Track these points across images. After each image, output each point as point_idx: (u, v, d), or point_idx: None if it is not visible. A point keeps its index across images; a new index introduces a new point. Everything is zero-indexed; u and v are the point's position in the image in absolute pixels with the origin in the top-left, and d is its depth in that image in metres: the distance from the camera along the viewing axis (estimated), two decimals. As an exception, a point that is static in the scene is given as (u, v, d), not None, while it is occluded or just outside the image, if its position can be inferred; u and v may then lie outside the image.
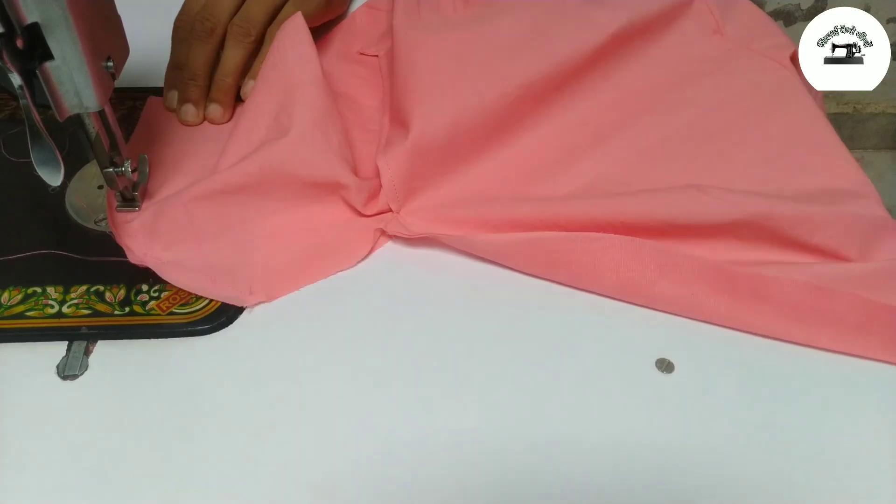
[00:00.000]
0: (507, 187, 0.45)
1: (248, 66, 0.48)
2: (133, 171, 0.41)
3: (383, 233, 0.43)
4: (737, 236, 0.41)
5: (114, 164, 0.40)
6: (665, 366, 0.38)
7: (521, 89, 0.46)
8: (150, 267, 0.39)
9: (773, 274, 0.38)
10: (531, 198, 0.44)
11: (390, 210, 0.44)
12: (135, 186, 0.42)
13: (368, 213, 0.43)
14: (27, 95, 0.34)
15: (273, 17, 0.49)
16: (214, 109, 0.48)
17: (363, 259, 0.42)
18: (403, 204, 0.44)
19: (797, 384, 0.37)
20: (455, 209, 0.43)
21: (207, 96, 0.48)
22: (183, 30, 0.47)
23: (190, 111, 0.48)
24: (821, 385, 0.37)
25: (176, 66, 0.48)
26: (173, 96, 0.48)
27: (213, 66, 0.48)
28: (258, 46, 0.49)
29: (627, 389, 0.37)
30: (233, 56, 0.47)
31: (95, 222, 0.42)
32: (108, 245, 0.41)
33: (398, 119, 0.46)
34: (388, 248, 0.43)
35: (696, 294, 0.39)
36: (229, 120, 0.49)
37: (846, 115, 1.45)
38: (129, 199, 0.42)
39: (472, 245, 0.42)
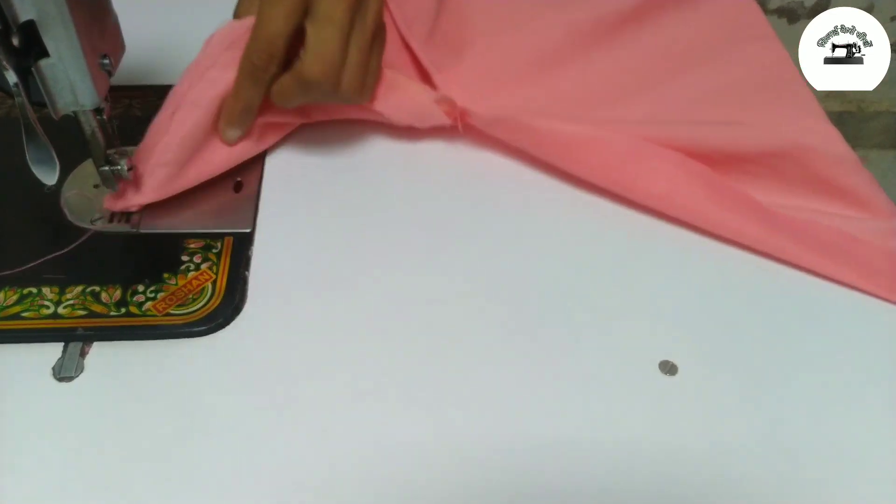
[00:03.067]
0: (563, 112, 0.48)
1: None
2: (129, 170, 0.40)
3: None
4: (779, 176, 0.44)
5: (109, 163, 0.39)
6: (668, 368, 0.37)
7: (569, 29, 0.51)
8: None
9: (810, 218, 0.42)
10: (588, 118, 0.47)
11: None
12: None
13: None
14: (22, 93, 0.34)
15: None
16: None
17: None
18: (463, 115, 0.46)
19: (801, 386, 0.37)
20: (513, 119, 0.45)
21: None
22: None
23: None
24: (824, 387, 0.37)
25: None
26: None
27: None
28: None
29: (630, 391, 0.36)
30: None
31: (91, 221, 0.42)
32: (104, 244, 0.41)
33: (448, 47, 0.49)
34: (385, 247, 0.43)
35: (738, 219, 0.42)
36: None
37: (849, 113, 1.44)
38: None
39: (533, 135, 0.44)
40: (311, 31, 0.39)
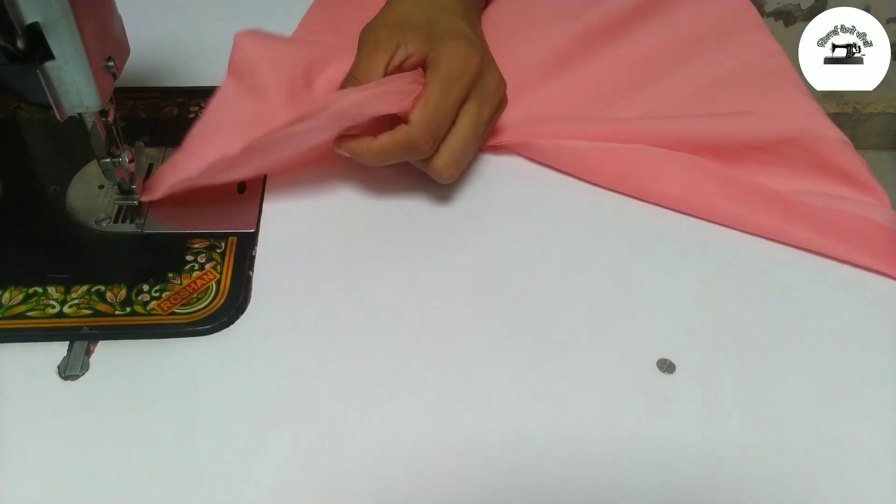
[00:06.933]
0: (578, 110, 0.50)
1: None
2: (130, 162, 0.41)
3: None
4: (789, 163, 0.45)
5: (111, 155, 0.40)
6: (666, 366, 0.38)
7: (581, 34, 0.53)
8: None
9: (822, 203, 0.43)
10: (604, 118, 0.49)
11: None
12: (132, 178, 0.42)
13: None
14: None
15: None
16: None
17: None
18: None
19: (798, 384, 0.37)
20: (532, 125, 0.47)
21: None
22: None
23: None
24: (822, 385, 0.37)
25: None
26: None
27: None
28: None
29: (628, 390, 0.37)
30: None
31: (96, 222, 0.42)
32: (109, 245, 0.41)
33: None
34: (387, 246, 0.43)
35: (753, 212, 0.44)
36: None
37: (846, 115, 1.45)
38: (127, 192, 0.42)
39: (549, 153, 0.47)
40: (456, 132, 0.42)
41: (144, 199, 0.43)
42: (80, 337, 0.37)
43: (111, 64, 0.37)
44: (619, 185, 0.46)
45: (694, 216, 0.45)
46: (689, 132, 0.45)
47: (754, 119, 0.46)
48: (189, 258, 0.41)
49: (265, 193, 0.45)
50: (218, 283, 0.40)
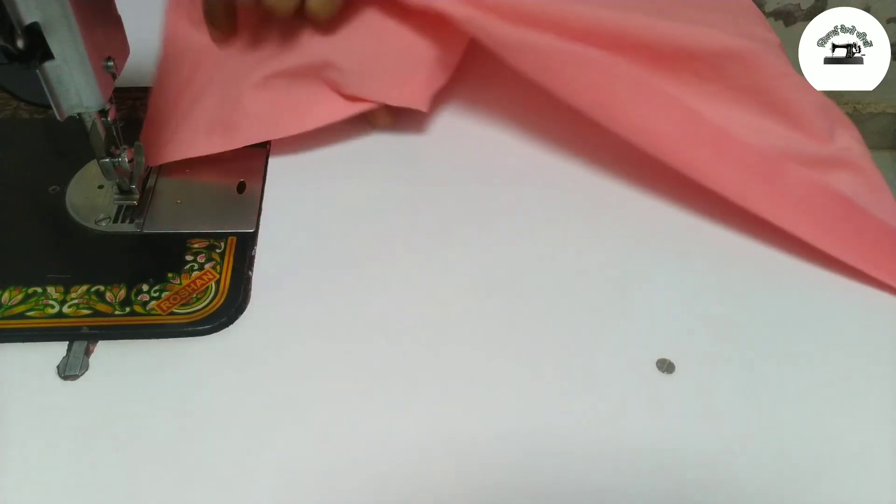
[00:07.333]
0: None
1: None
2: (129, 162, 0.41)
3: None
4: (724, 80, 0.43)
5: (111, 155, 0.40)
6: (666, 366, 0.38)
7: None
8: None
9: (816, 177, 0.41)
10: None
11: None
12: (132, 178, 0.42)
13: None
14: None
15: None
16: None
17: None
18: None
19: (799, 384, 0.37)
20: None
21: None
22: None
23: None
24: (822, 385, 0.37)
25: None
26: None
27: None
28: None
29: (628, 390, 0.37)
30: None
31: (96, 222, 0.42)
32: (109, 245, 0.41)
33: None
34: (387, 246, 0.43)
35: (742, 182, 0.41)
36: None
37: (846, 115, 1.45)
38: (127, 191, 0.43)
39: (514, 49, 0.42)
40: None
41: (151, 164, 0.44)
42: (80, 337, 0.37)
43: (111, 64, 0.37)
44: (591, 108, 0.41)
45: (666, 162, 0.42)
46: (628, 28, 0.42)
47: (698, 27, 0.43)
48: (188, 258, 0.41)
49: (264, 193, 0.45)
50: (217, 283, 0.40)
